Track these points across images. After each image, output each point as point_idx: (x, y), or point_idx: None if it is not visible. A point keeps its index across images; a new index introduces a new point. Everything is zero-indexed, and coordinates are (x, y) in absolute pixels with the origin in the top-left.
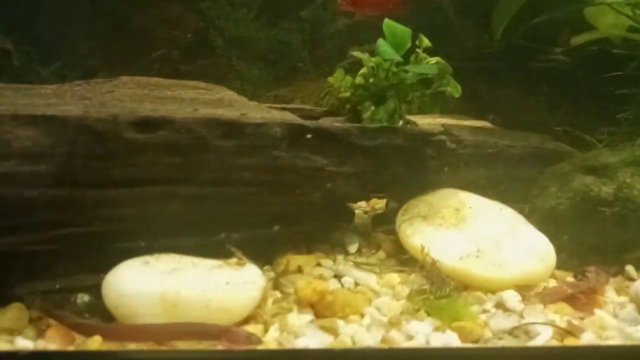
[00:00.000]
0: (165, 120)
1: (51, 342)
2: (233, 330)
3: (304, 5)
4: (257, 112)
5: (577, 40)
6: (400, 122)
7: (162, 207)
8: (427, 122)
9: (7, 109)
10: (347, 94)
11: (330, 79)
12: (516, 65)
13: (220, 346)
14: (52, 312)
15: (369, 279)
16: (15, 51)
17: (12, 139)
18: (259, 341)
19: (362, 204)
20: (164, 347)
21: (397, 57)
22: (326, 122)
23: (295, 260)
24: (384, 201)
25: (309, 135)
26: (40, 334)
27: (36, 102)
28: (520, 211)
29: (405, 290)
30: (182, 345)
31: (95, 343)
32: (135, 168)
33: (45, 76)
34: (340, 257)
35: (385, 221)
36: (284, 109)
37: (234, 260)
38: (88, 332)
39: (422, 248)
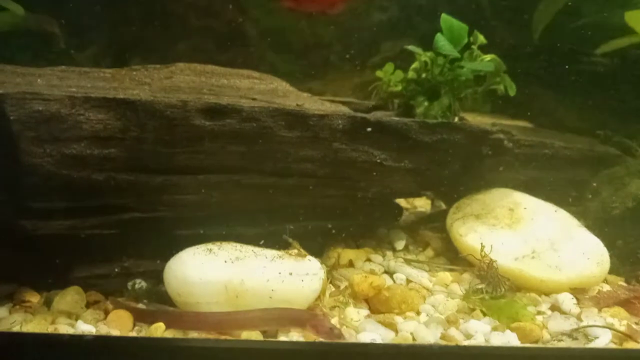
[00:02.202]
0: (233, 108)
1: (112, 328)
2: (319, 318)
3: None
4: (312, 103)
5: (617, 44)
6: (455, 119)
7: (225, 195)
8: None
9: (77, 91)
10: (398, 88)
11: (379, 73)
12: (555, 66)
13: (298, 333)
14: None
15: (422, 277)
16: (62, 34)
17: (84, 121)
18: (341, 335)
19: (401, 200)
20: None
21: (455, 53)
22: (386, 116)
23: (346, 254)
24: (423, 199)
25: (369, 129)
26: (99, 318)
27: (100, 85)
28: (574, 213)
29: (458, 289)
30: (253, 334)
31: (158, 330)
32: (201, 155)
33: (79, 61)
34: (389, 253)
35: (432, 219)
36: (333, 101)
37: (294, 251)
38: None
39: (482, 248)
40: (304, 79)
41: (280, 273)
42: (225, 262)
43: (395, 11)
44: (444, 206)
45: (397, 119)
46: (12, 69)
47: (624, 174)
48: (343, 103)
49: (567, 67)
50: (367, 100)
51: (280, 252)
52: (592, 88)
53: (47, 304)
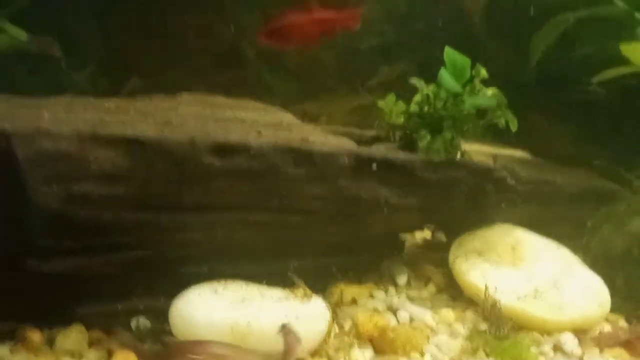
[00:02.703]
0: (242, 146)
1: None
2: None
3: None
4: (316, 136)
5: (612, 73)
6: (458, 154)
7: (230, 232)
8: (468, 149)
9: (85, 127)
10: (400, 120)
11: (381, 104)
12: (552, 94)
13: None
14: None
15: (425, 315)
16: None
17: (92, 160)
18: None
19: None
20: None
21: (459, 89)
22: (391, 153)
23: (349, 290)
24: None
25: (374, 166)
26: (102, 357)
27: (107, 119)
28: (575, 250)
29: (461, 328)
30: None
31: None
32: (208, 193)
33: (78, 80)
34: (391, 289)
35: (432, 250)
36: (334, 132)
37: (300, 291)
38: None
39: (486, 289)
40: (300, 101)
41: (286, 316)
42: (232, 303)
43: (392, 35)
44: (444, 237)
45: (402, 156)
46: (19, 101)
47: (624, 212)
48: (344, 134)
49: (563, 95)
50: (368, 130)
51: (286, 292)
52: (588, 117)
53: (50, 342)
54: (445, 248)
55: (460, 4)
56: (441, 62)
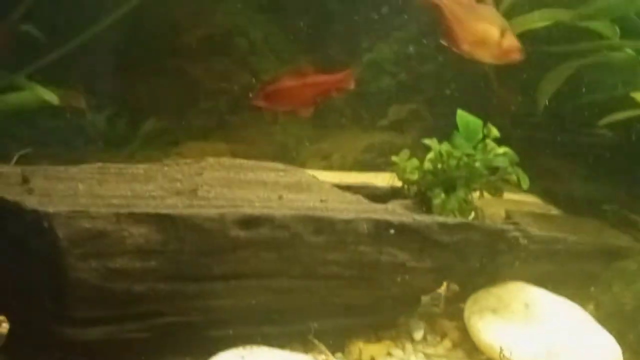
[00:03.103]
0: (267, 218)
1: None
2: None
3: (348, 63)
4: (335, 196)
5: (619, 116)
6: (472, 214)
7: (254, 298)
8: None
9: (121, 205)
10: (414, 177)
11: (395, 159)
12: (562, 135)
13: None
14: None
15: None
16: (87, 107)
17: (127, 236)
18: None
19: None
20: None
21: (471, 151)
22: (407, 216)
23: (367, 349)
24: None
25: (392, 231)
26: None
27: (138, 190)
28: (586, 307)
29: None
30: None
31: None
32: (234, 263)
33: (97, 122)
34: (409, 346)
35: (448, 303)
36: (350, 187)
37: (322, 357)
38: None
39: (501, 350)
40: (315, 140)
41: None
42: None
43: (403, 76)
44: (458, 288)
45: (419, 220)
46: (54, 172)
47: (635, 269)
48: (359, 188)
49: (573, 137)
50: (381, 182)
51: (309, 357)
52: (597, 159)
53: None
54: (460, 299)
55: None
56: (450, 101)
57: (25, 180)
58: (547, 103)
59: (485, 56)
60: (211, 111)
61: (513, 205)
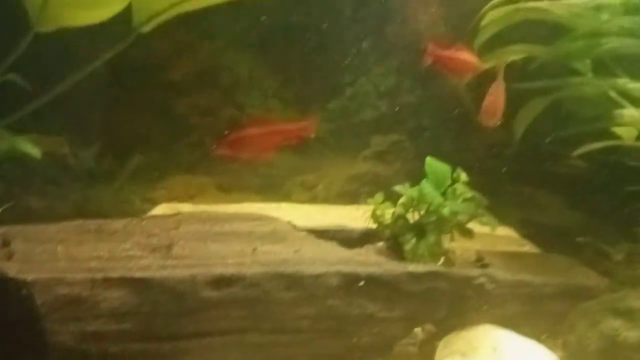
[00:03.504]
0: (238, 277)
1: None
2: None
3: (331, 98)
4: (308, 245)
5: (591, 147)
6: (442, 259)
7: (226, 354)
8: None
9: (96, 269)
10: (387, 221)
11: (369, 200)
12: (537, 166)
13: None
14: None
15: None
16: (70, 153)
17: (102, 300)
18: None
19: None
20: None
21: (440, 200)
22: (377, 267)
23: None
24: None
25: (361, 283)
26: None
27: (114, 249)
28: (553, 348)
29: None
30: None
31: None
32: (206, 321)
33: (83, 159)
34: None
35: (422, 344)
36: (325, 231)
37: None
38: None
39: None
40: (300, 171)
41: None
42: None
43: (384, 108)
44: (434, 329)
45: (387, 270)
46: (34, 234)
47: (597, 310)
48: (336, 232)
49: (549, 167)
50: (359, 227)
51: None
52: (572, 190)
53: None
54: (436, 338)
55: (446, 80)
56: (429, 132)
57: (5, 244)
58: (522, 135)
59: None
60: (196, 145)
61: (488, 239)
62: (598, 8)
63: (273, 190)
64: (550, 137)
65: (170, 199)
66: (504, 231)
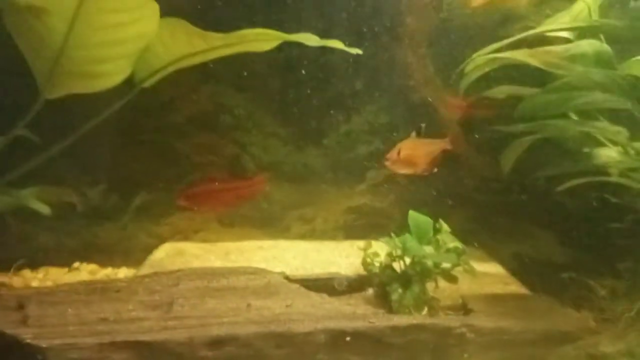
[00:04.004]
0: (232, 337)
1: None
2: None
3: (328, 133)
4: (299, 299)
5: (574, 183)
6: (426, 309)
7: None
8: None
9: (104, 332)
10: (376, 269)
11: (359, 246)
12: (524, 201)
13: None
14: None
15: None
16: (79, 201)
17: None
18: None
19: None
20: None
21: (424, 252)
22: (363, 323)
23: None
24: None
25: (348, 338)
26: None
27: (119, 309)
28: None
29: None
30: None
31: None
32: None
33: (91, 197)
34: None
35: None
36: (318, 278)
37: None
38: None
39: None
40: (298, 205)
41: None
42: None
43: (377, 144)
44: None
45: (373, 325)
46: (47, 296)
47: (574, 355)
48: (328, 279)
49: (536, 202)
50: (350, 274)
51: None
52: (558, 224)
53: None
54: None
55: (440, 116)
56: None
57: (20, 306)
58: (511, 170)
59: None
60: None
61: (475, 279)
62: (573, 58)
63: (273, 224)
64: (537, 174)
65: (174, 233)
66: (492, 267)
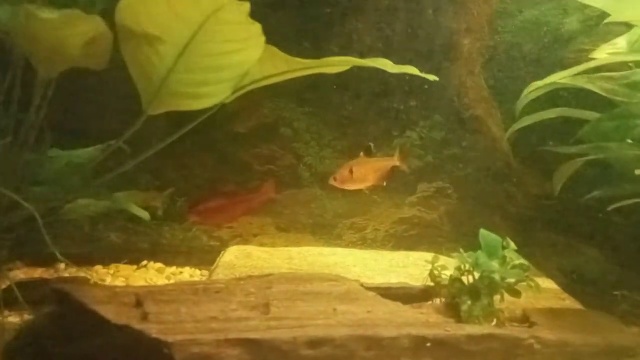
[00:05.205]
0: (329, 339)
1: None
2: None
3: (380, 148)
4: (378, 306)
5: (625, 202)
6: (494, 320)
7: None
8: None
9: (218, 329)
10: (444, 281)
11: (426, 260)
12: (574, 219)
13: None
14: None
15: None
16: (161, 205)
17: (225, 357)
18: None
19: None
20: None
21: (493, 267)
22: (441, 331)
23: None
24: None
25: (428, 344)
26: None
27: (225, 309)
28: None
29: None
30: None
31: None
32: None
33: (160, 199)
34: None
35: None
36: (389, 288)
37: None
38: None
39: None
40: (350, 215)
41: None
42: None
43: (429, 158)
44: None
45: (450, 333)
46: (158, 293)
47: None
48: (399, 289)
49: (585, 220)
50: (417, 283)
51: None
52: (607, 242)
53: None
54: None
55: (490, 130)
56: (471, 181)
57: (139, 304)
58: (562, 188)
59: None
60: None
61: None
62: (632, 86)
63: (326, 231)
64: (587, 194)
65: (233, 236)
66: (544, 283)
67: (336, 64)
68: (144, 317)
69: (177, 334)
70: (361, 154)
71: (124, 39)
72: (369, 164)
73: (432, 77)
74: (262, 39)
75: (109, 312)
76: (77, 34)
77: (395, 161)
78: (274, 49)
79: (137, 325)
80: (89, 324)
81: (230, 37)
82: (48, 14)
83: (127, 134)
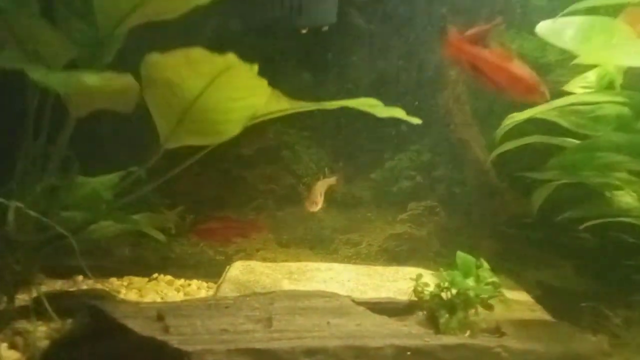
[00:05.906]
0: (323, 349)
1: None
2: None
3: (373, 169)
4: (366, 320)
5: (595, 222)
6: (468, 332)
7: None
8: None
9: (229, 340)
10: (426, 297)
11: (411, 277)
12: (550, 236)
13: None
14: None
15: None
16: (174, 226)
17: None
18: None
19: None
20: None
21: (467, 285)
22: (420, 341)
23: None
24: None
25: (409, 353)
26: None
27: (234, 322)
28: None
29: None
30: None
31: None
32: None
33: (170, 217)
34: None
35: None
36: (379, 302)
37: None
38: None
39: None
40: (346, 231)
41: None
42: None
43: (419, 179)
44: None
45: (427, 343)
46: (177, 309)
47: None
48: (386, 303)
49: (559, 237)
50: (405, 297)
51: None
52: (579, 258)
53: None
54: None
55: (475, 153)
56: (459, 200)
57: (160, 318)
58: (539, 209)
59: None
60: (261, 207)
61: (506, 306)
62: (597, 119)
63: (323, 246)
64: (562, 214)
65: (238, 251)
66: (520, 295)
67: (332, 106)
68: (166, 329)
69: (195, 345)
70: (320, 176)
71: (147, 86)
72: (324, 186)
73: (415, 121)
74: (268, 90)
75: (136, 326)
76: (111, 88)
77: (333, 181)
78: (279, 93)
79: (160, 337)
80: (118, 335)
81: (243, 84)
82: (92, 80)
83: (148, 163)
